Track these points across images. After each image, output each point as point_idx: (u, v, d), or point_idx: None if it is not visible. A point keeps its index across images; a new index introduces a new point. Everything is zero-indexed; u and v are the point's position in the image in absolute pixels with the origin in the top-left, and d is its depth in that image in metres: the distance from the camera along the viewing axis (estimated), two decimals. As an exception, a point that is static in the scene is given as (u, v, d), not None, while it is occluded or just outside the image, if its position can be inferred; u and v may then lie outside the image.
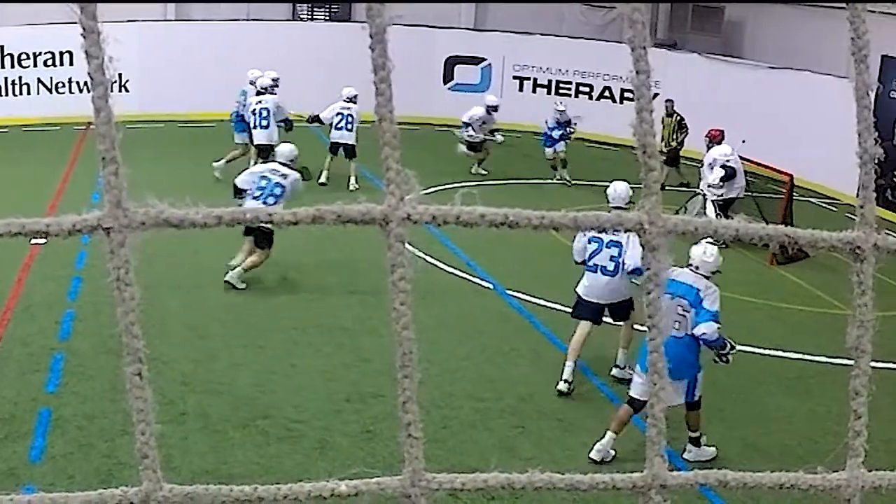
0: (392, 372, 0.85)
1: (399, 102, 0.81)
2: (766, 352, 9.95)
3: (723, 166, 13.73)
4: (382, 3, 0.78)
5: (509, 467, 0.85)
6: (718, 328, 7.17)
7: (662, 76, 18.23)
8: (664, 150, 16.66)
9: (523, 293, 11.25)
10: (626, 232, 0.85)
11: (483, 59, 22.61)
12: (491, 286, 11.54)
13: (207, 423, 7.72)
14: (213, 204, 0.79)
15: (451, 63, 22.67)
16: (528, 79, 22.32)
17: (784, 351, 9.97)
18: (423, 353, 0.85)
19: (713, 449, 7.64)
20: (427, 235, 11.50)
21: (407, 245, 0.83)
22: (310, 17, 23.19)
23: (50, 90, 20.02)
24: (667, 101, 16.98)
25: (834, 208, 16.52)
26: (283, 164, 10.98)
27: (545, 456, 7.40)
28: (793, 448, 7.86)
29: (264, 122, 14.94)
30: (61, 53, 19.54)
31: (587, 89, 21.73)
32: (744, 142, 14.77)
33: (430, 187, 14.24)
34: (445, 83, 22.67)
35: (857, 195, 0.89)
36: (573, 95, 21.69)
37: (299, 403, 8.18)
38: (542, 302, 11.01)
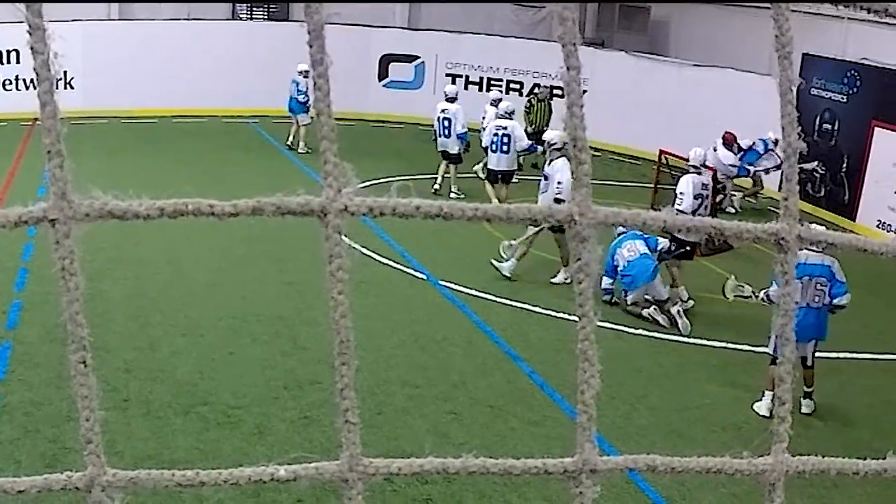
0: (328, 359, 0.84)
1: (336, 98, 0.82)
2: (691, 340, 10.16)
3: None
4: (320, 2, 0.79)
5: (442, 452, 0.86)
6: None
7: (590, 73, 18.36)
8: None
9: (456, 283, 11.31)
10: (557, 223, 0.87)
11: (417, 58, 22.78)
12: (424, 277, 11.58)
13: (149, 409, 7.73)
14: (156, 196, 0.80)
15: (385, 61, 22.85)
16: (461, 76, 22.46)
17: (708, 339, 10.19)
18: (358, 341, 0.85)
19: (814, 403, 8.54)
20: (363, 228, 11.49)
21: (344, 237, 0.84)
22: (249, 16, 23.37)
23: (-3, 87, 19.87)
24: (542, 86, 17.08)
25: (753, 200, 16.89)
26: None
27: (476, 441, 7.47)
28: (717, 434, 8.05)
29: (446, 132, 15.56)
30: (8, 52, 19.43)
31: (517, 86, 21.95)
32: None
33: (366, 181, 14.17)
34: (380, 80, 22.88)
35: (780, 188, 0.91)
36: (504, 92, 21.90)
37: (238, 390, 8.17)
38: (473, 292, 11.08)
